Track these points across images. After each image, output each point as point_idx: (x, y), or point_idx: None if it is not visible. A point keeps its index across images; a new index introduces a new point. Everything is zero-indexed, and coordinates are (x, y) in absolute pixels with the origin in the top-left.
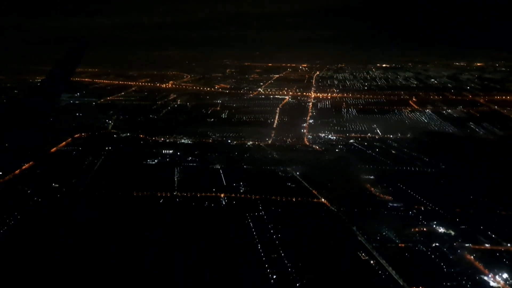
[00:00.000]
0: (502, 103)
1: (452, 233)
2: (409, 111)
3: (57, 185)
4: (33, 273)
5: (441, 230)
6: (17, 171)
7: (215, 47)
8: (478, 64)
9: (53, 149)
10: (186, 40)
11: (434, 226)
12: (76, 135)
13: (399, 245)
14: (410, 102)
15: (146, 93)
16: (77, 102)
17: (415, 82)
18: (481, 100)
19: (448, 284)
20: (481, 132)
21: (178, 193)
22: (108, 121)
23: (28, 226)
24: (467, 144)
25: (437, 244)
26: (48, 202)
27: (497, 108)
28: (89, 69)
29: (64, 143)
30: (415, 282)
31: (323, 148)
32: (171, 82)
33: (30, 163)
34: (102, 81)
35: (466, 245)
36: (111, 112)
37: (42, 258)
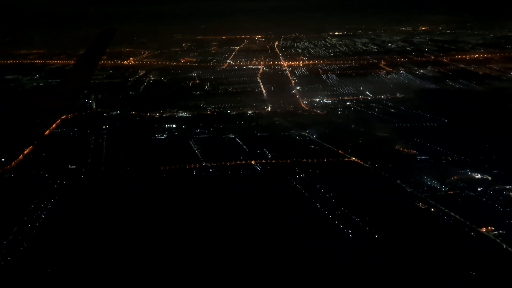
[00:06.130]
0: (465, 61)
1: (489, 178)
2: (385, 73)
3: (74, 167)
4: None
5: (478, 176)
6: (20, 157)
7: (155, 22)
8: (423, 28)
9: (47, 132)
10: (123, 16)
11: (469, 173)
12: (63, 116)
13: (448, 192)
14: (381, 65)
15: (111, 71)
16: (41, 84)
17: (375, 47)
18: (445, 60)
19: (511, 222)
20: (462, 88)
21: (208, 164)
22: (88, 100)
23: (69, 207)
24: (456, 99)
25: (482, 188)
26: (75, 183)
27: (463, 66)
28: (35, 50)
29: (54, 125)
30: (481, 224)
31: (325, 112)
32: (131, 58)
33: (30, 147)
34: (55, 61)
35: (507, 187)
36: (86, 91)
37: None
